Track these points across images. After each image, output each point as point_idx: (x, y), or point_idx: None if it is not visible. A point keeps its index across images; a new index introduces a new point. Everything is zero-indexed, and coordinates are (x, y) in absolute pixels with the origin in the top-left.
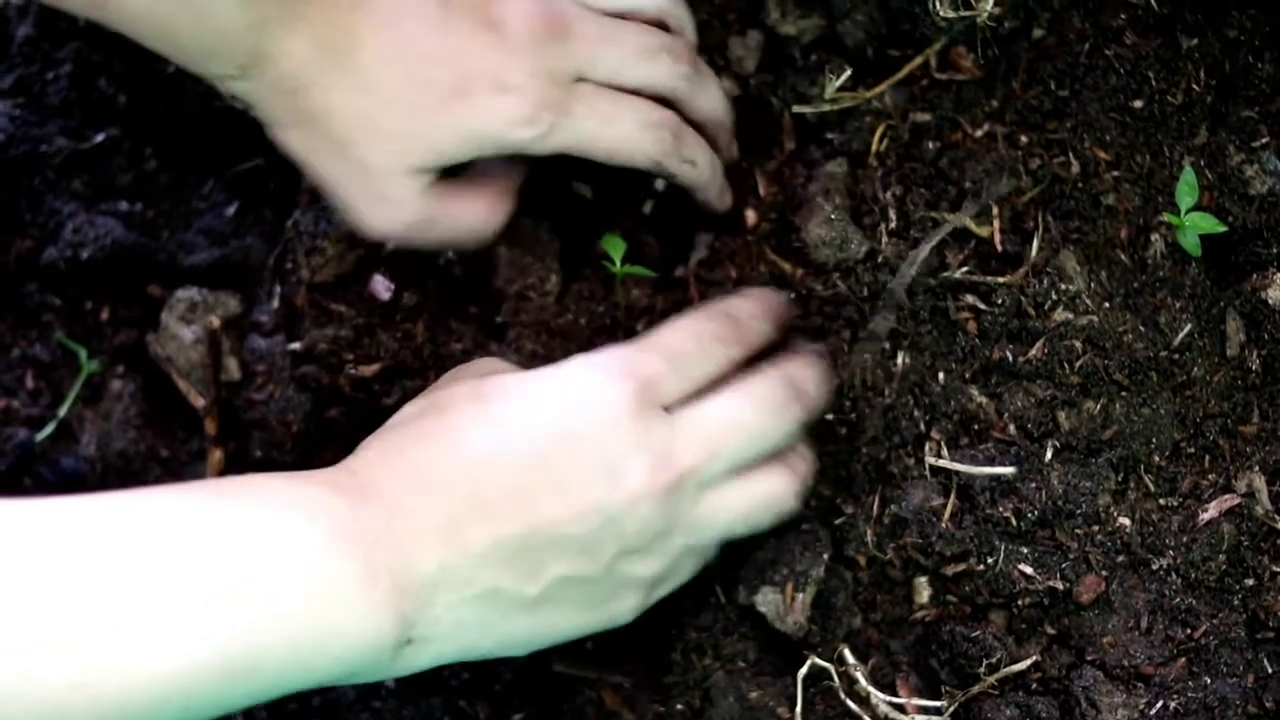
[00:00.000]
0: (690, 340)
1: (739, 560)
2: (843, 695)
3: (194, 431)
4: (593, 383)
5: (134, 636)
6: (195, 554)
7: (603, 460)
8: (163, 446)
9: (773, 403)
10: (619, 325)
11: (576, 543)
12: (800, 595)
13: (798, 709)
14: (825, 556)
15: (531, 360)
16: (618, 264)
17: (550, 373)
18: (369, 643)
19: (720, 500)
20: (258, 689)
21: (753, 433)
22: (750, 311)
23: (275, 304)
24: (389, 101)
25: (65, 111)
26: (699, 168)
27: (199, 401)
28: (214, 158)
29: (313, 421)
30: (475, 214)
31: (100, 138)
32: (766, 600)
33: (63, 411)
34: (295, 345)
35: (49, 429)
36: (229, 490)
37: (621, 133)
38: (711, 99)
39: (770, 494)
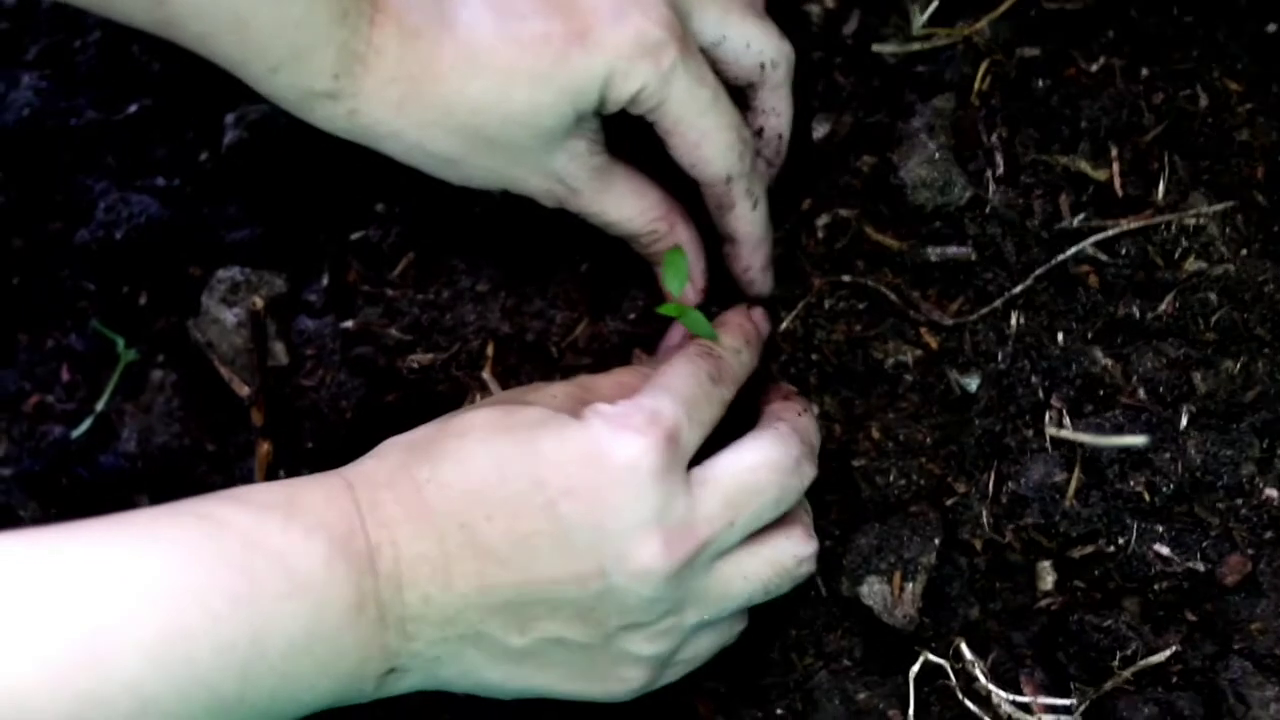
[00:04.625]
0: (695, 385)
1: (840, 548)
2: (960, 694)
3: (241, 423)
4: (618, 439)
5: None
6: (190, 576)
7: (616, 526)
8: (208, 440)
9: (790, 462)
10: None
11: (573, 606)
12: (910, 585)
13: (910, 711)
14: (936, 541)
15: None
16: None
17: (574, 422)
18: (352, 673)
19: (736, 569)
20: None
21: (770, 498)
22: (733, 344)
23: (325, 281)
24: (507, 74)
25: (95, 82)
26: (756, 213)
27: (243, 390)
28: None
29: (368, 407)
30: (633, 194)
31: (133, 109)
32: (873, 591)
33: (100, 405)
34: (347, 324)
35: (86, 424)
36: (220, 507)
37: (716, 123)
38: (787, 106)
39: (790, 557)
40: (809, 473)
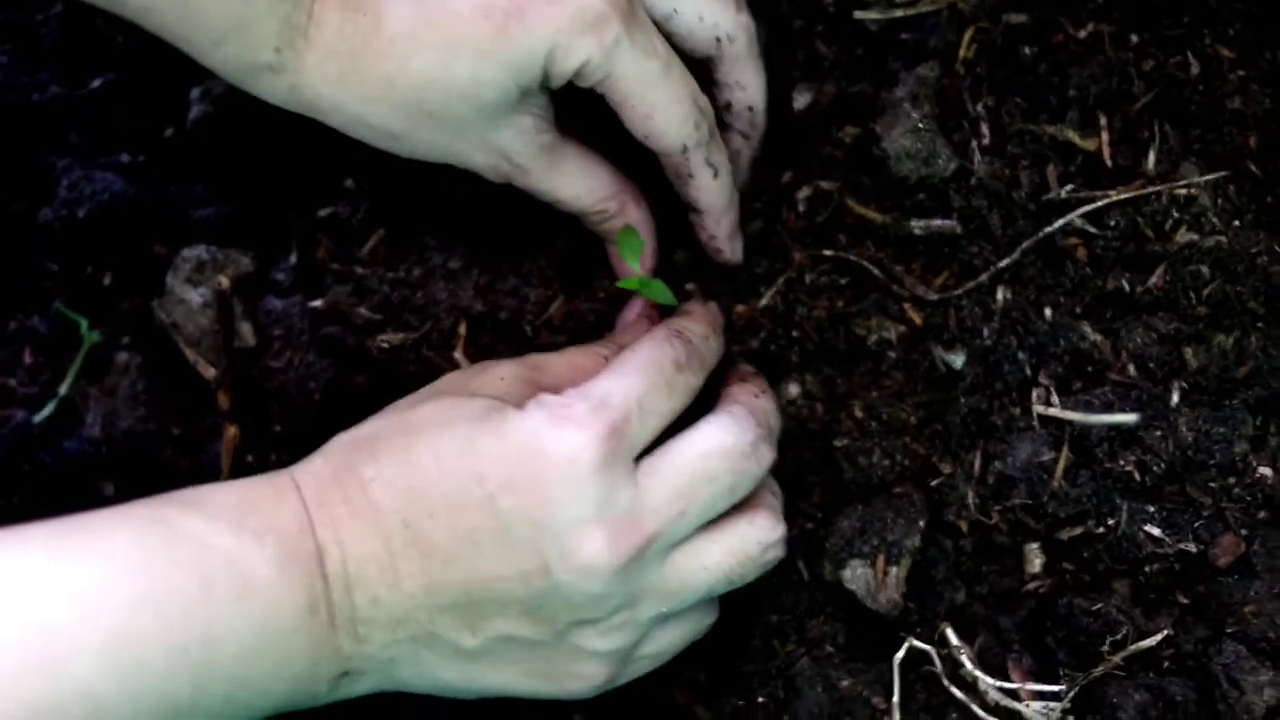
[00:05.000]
0: (655, 372)
1: (822, 531)
2: (946, 681)
3: (208, 406)
4: (557, 432)
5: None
6: (141, 581)
7: (556, 521)
8: (174, 424)
9: (745, 447)
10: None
11: (520, 604)
12: (894, 569)
13: (895, 698)
14: (921, 523)
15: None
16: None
17: (515, 415)
18: (305, 675)
19: (694, 559)
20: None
21: (723, 485)
22: (700, 330)
23: (293, 259)
24: (448, 48)
25: (58, 56)
26: (718, 182)
27: (210, 372)
28: None
29: (337, 389)
30: (582, 173)
31: (97, 83)
32: (855, 575)
33: (64, 389)
34: (316, 304)
35: (49, 409)
36: (170, 510)
37: (667, 95)
38: (753, 78)
39: (753, 543)
40: (767, 456)
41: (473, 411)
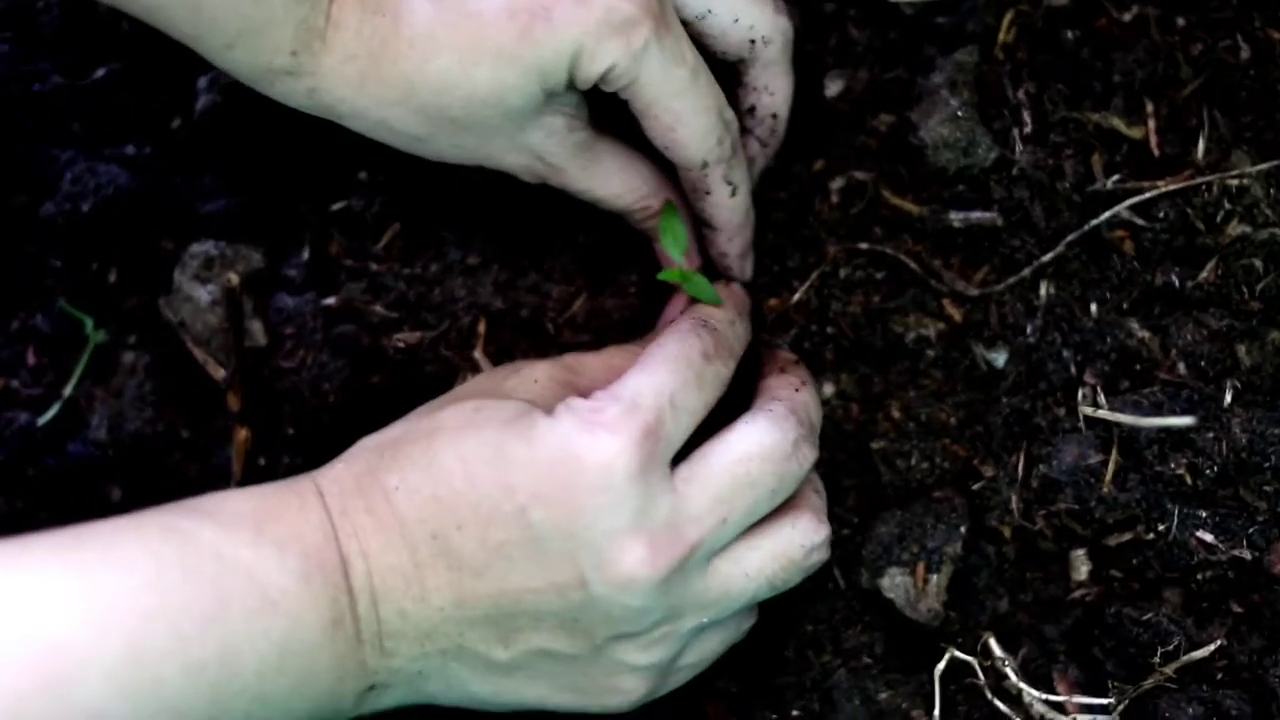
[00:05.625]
0: (684, 366)
1: (859, 537)
2: (989, 693)
3: (218, 407)
4: (589, 438)
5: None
6: (155, 595)
7: (592, 532)
8: (183, 426)
9: (786, 448)
10: None
11: (555, 617)
12: (934, 576)
13: (936, 711)
14: (962, 529)
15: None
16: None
17: (544, 421)
18: (329, 691)
19: (736, 567)
20: None
21: (765, 489)
22: (726, 317)
23: (305, 255)
24: (468, 51)
25: (60, 44)
26: (735, 200)
27: (219, 373)
28: None
29: (352, 390)
30: (619, 171)
31: (100, 73)
32: (894, 583)
33: (68, 390)
34: (329, 301)
35: (53, 410)
36: (185, 519)
37: (693, 105)
38: (783, 84)
39: (797, 547)
40: (809, 455)
41: (500, 416)
